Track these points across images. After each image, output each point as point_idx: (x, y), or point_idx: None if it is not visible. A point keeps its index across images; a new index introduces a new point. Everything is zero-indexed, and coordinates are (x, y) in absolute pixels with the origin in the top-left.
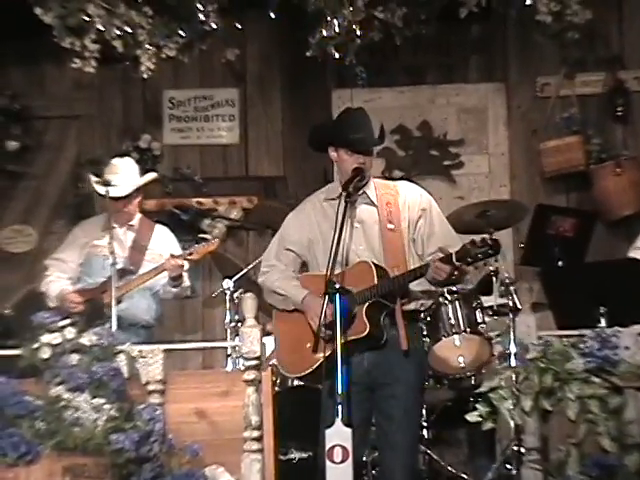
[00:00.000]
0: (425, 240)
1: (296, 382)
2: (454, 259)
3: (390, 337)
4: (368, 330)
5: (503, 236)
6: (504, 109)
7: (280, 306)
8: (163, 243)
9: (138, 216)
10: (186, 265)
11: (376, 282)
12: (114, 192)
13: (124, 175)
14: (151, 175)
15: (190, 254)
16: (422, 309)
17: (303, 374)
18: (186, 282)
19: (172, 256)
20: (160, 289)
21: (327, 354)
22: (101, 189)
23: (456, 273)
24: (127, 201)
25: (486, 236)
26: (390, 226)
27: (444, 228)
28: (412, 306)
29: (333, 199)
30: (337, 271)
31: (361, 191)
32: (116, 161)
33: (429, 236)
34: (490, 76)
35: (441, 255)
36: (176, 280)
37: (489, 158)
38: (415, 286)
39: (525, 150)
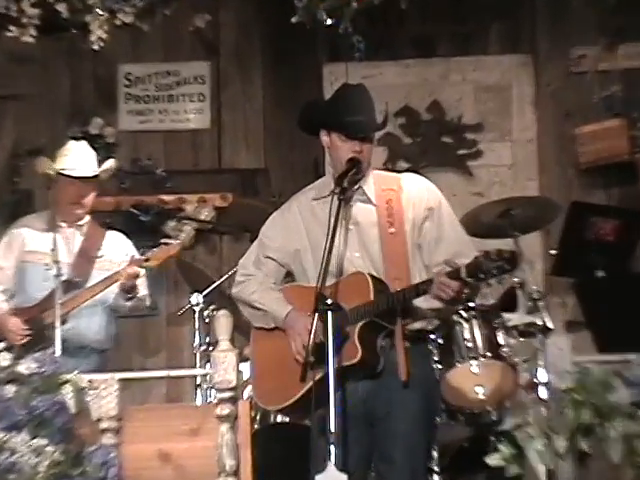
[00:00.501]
0: (432, 247)
1: (280, 418)
2: (463, 274)
3: (390, 363)
4: (360, 356)
5: (530, 241)
6: (531, 87)
7: (257, 323)
8: (116, 250)
9: (87, 218)
10: (142, 272)
11: (372, 298)
12: (79, 171)
13: (82, 159)
14: (111, 162)
15: (147, 260)
16: (430, 328)
17: (284, 406)
18: (142, 291)
19: (131, 261)
20: (112, 303)
21: (313, 383)
22: (58, 168)
23: (466, 291)
24: (86, 189)
25: (504, 248)
26: (391, 229)
27: (455, 232)
28: (418, 325)
29: (324, 197)
30: (329, 282)
31: (357, 186)
32: (72, 144)
33: (437, 242)
34: (514, 47)
35: (448, 269)
36: (130, 292)
37: (513, 146)
38: (421, 303)
39: (557, 136)
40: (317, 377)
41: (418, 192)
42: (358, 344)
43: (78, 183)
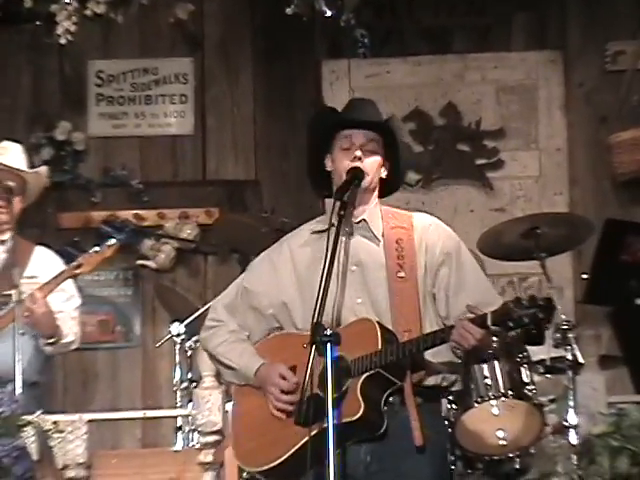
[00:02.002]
0: (450, 296)
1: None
2: (489, 321)
3: (398, 424)
4: (363, 411)
5: (559, 263)
6: (561, 87)
7: (228, 379)
8: (44, 270)
9: (9, 233)
10: (62, 306)
11: (380, 347)
12: (7, 162)
13: (10, 155)
14: (43, 168)
15: (78, 266)
16: (445, 384)
17: (268, 468)
18: (68, 336)
19: (32, 295)
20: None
21: (301, 443)
22: None
23: (494, 339)
24: (9, 191)
25: (537, 295)
26: (401, 273)
27: (477, 280)
28: (431, 381)
29: (325, 230)
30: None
31: (359, 218)
32: (5, 143)
33: (456, 291)
34: (541, 42)
35: (471, 315)
36: (47, 333)
37: (540, 155)
38: (431, 357)
39: (590, 144)
40: (312, 433)
41: (433, 234)
42: (360, 398)
43: (2, 182)
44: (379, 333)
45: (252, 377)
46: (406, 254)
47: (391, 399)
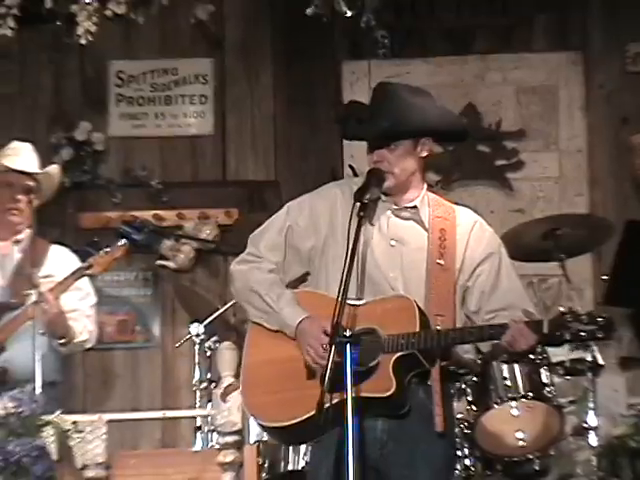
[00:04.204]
0: (486, 294)
1: (291, 466)
2: (545, 329)
3: (418, 406)
4: (394, 390)
5: (579, 265)
6: (581, 88)
7: (257, 319)
8: (62, 268)
9: (27, 231)
10: (77, 304)
11: (418, 329)
12: (15, 164)
13: (22, 156)
14: (55, 167)
15: (89, 267)
16: (462, 371)
17: (285, 425)
18: (82, 334)
19: (43, 295)
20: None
21: (326, 405)
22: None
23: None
24: (23, 191)
25: (595, 312)
26: (440, 260)
27: (513, 282)
28: (450, 367)
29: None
30: (365, 299)
31: (412, 203)
32: (15, 143)
33: (492, 290)
34: (563, 43)
35: (525, 319)
36: (58, 333)
37: (560, 156)
38: (460, 350)
39: (610, 146)
40: (334, 401)
41: (477, 232)
42: (393, 376)
43: (15, 183)
44: (417, 314)
45: (293, 326)
46: (448, 244)
47: (413, 379)
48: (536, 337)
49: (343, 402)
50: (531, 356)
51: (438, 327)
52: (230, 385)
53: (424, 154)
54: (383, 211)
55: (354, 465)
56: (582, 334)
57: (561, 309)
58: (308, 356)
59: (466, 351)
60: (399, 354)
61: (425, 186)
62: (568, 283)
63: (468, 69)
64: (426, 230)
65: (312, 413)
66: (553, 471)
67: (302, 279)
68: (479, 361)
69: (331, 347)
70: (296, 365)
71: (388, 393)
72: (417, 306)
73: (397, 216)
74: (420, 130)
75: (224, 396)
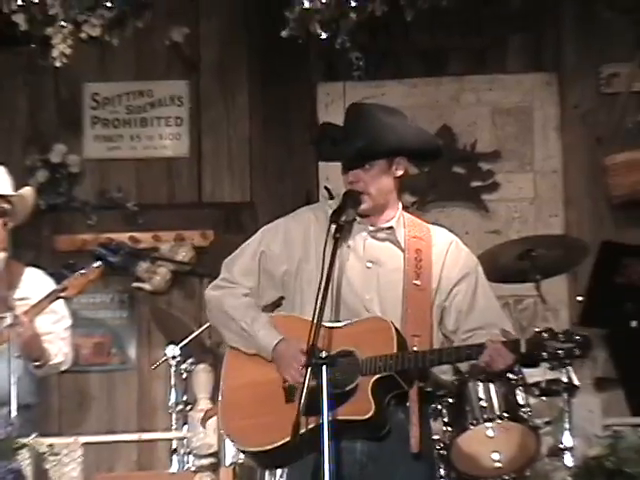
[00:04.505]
0: (463, 313)
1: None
2: (522, 349)
3: (396, 426)
4: (373, 412)
5: (555, 286)
6: (556, 109)
7: (234, 343)
8: (35, 292)
9: (2, 254)
10: (52, 327)
11: (395, 351)
12: None
13: None
14: (28, 189)
15: (63, 289)
16: (441, 393)
17: (263, 450)
18: (57, 356)
19: (18, 318)
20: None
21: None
22: None
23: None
24: (0, 212)
25: (572, 330)
26: (416, 281)
27: (489, 302)
28: (428, 387)
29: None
30: (342, 322)
31: (387, 224)
32: None
33: (469, 310)
34: (537, 63)
35: (502, 338)
36: (33, 355)
37: (535, 177)
38: (437, 371)
39: (586, 166)
40: (310, 425)
41: (453, 251)
42: (372, 399)
43: None
44: (395, 336)
45: (269, 349)
46: (424, 264)
47: (392, 400)
48: (513, 357)
49: (320, 426)
50: (509, 375)
51: (415, 348)
52: (209, 410)
53: (399, 173)
54: (359, 233)
55: None
56: (559, 352)
57: (536, 329)
58: (289, 376)
59: (443, 372)
60: (377, 376)
61: (400, 206)
62: (544, 304)
63: (443, 90)
64: (402, 250)
65: (288, 439)
66: None
67: (277, 303)
68: (455, 382)
69: (307, 371)
70: (274, 389)
71: (367, 415)
72: (394, 327)
73: (373, 237)
74: (394, 149)
75: (204, 422)
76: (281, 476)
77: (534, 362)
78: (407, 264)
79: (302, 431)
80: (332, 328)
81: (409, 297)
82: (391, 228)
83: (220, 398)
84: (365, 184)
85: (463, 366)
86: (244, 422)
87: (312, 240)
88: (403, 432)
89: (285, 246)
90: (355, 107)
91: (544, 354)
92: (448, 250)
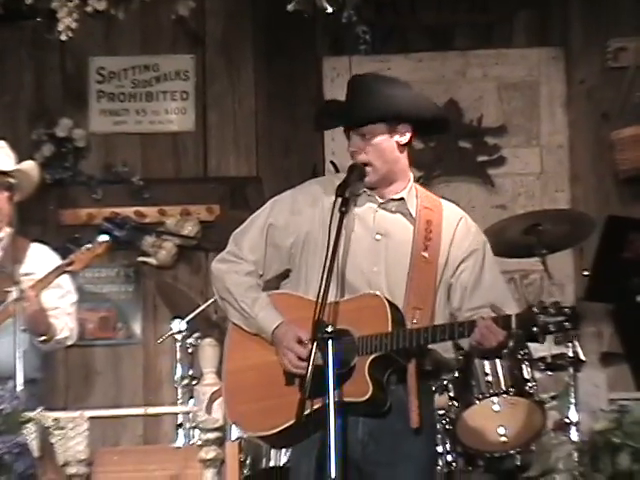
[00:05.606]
0: (468, 291)
1: (273, 462)
2: (514, 324)
3: (396, 402)
4: (371, 393)
5: (561, 261)
6: (562, 84)
7: (235, 320)
8: (41, 266)
9: (7, 229)
10: (57, 302)
11: (390, 329)
12: None
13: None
14: (31, 163)
15: (69, 264)
16: (442, 371)
17: (267, 434)
18: (63, 332)
19: (22, 290)
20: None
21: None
22: None
23: (510, 344)
24: (4, 187)
25: (562, 302)
26: (424, 253)
27: (496, 280)
28: (428, 365)
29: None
30: (333, 296)
31: (399, 195)
32: None
33: (474, 287)
34: (543, 39)
35: (493, 315)
36: (39, 330)
37: (541, 152)
38: (438, 348)
39: (591, 141)
40: (314, 407)
41: (462, 228)
42: (369, 380)
43: None
44: (389, 313)
45: (269, 332)
46: (433, 237)
47: (391, 376)
48: (505, 333)
49: (323, 407)
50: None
51: (415, 321)
52: (214, 392)
53: (402, 141)
54: (368, 205)
55: (336, 463)
56: (550, 326)
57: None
58: (285, 364)
59: (446, 350)
60: (373, 356)
61: (412, 177)
62: (549, 279)
63: (449, 65)
64: (413, 220)
65: (292, 422)
66: (534, 466)
67: (285, 275)
68: (460, 357)
69: (311, 351)
70: (275, 371)
71: (365, 397)
72: (389, 304)
73: (384, 209)
74: (391, 113)
75: (209, 405)
76: (287, 450)
77: (527, 337)
78: (417, 234)
79: (307, 412)
80: (328, 305)
81: (415, 268)
82: (402, 199)
83: (223, 381)
84: (367, 154)
85: (465, 344)
86: (247, 407)
87: (319, 212)
88: (404, 409)
89: (292, 218)
90: (356, 78)
91: (535, 329)
92: (458, 226)
